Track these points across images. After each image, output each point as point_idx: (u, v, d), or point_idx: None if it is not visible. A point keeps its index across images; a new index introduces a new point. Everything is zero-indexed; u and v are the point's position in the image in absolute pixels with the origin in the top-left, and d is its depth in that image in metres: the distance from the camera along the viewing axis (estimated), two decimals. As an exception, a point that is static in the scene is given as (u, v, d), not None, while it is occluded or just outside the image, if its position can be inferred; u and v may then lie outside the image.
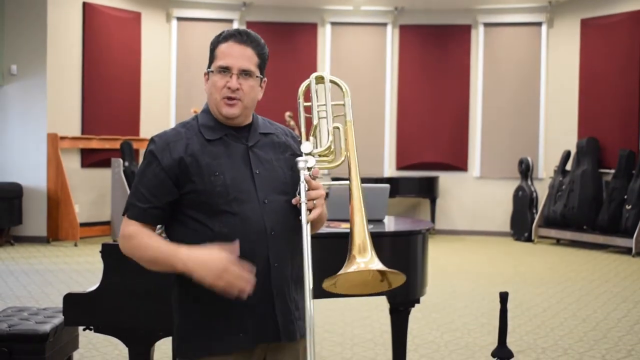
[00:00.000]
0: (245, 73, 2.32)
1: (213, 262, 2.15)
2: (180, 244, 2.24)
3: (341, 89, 2.61)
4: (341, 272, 2.28)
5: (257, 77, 2.36)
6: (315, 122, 2.53)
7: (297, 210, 2.30)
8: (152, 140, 2.33)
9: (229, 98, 2.30)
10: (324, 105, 2.57)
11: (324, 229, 3.69)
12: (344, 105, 2.66)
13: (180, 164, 2.27)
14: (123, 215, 2.33)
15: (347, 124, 2.59)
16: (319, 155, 2.50)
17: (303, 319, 2.35)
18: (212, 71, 2.34)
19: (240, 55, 2.33)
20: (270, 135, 2.46)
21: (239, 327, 2.29)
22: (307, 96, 2.62)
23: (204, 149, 2.29)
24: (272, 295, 2.31)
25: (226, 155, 2.31)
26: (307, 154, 2.41)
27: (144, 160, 2.32)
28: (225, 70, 2.31)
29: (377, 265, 2.33)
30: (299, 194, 2.30)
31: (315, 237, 3.60)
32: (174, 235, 2.33)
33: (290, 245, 2.35)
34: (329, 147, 2.53)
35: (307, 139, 2.50)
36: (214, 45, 2.39)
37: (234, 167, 2.31)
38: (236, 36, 2.37)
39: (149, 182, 2.28)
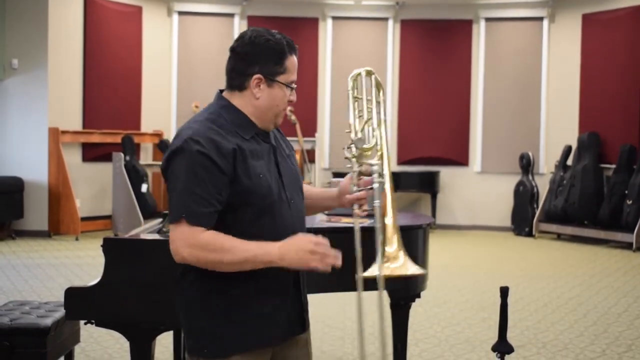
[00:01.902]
0: None
1: (302, 242, 2.17)
2: None
3: (380, 88, 2.66)
4: (400, 272, 2.44)
5: None
6: (365, 117, 2.61)
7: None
8: (191, 140, 2.18)
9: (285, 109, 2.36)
10: (370, 100, 2.64)
11: (325, 224, 3.70)
12: (379, 103, 2.69)
13: (233, 162, 2.20)
14: (176, 222, 2.17)
15: (381, 123, 2.64)
16: (363, 152, 2.59)
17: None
18: (279, 82, 2.29)
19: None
20: (274, 133, 2.44)
21: (272, 321, 2.29)
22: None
23: (245, 148, 2.24)
24: (300, 290, 2.38)
25: (262, 156, 2.29)
26: (358, 150, 2.49)
27: (189, 162, 2.17)
28: (294, 87, 2.34)
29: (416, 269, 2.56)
30: (374, 201, 2.45)
31: (316, 232, 3.60)
32: None
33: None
34: (375, 145, 2.63)
35: (357, 134, 2.58)
36: (284, 54, 2.29)
37: (270, 168, 2.31)
38: (295, 49, 2.35)
39: (208, 183, 2.16)
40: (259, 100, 2.29)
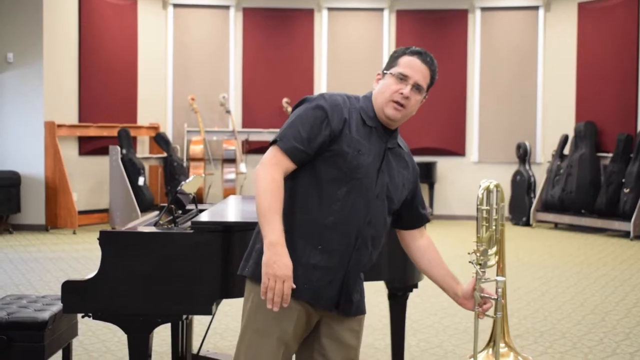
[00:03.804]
0: (417, 87, 2.58)
1: (287, 267, 2.34)
2: (293, 194, 2.47)
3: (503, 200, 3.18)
4: None
5: (424, 94, 2.65)
6: (492, 228, 3.05)
7: (388, 213, 2.63)
8: (322, 96, 2.53)
9: (398, 103, 2.54)
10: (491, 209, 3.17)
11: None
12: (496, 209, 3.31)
13: (342, 125, 2.48)
14: (273, 144, 2.47)
15: (502, 225, 3.08)
16: (487, 259, 3.02)
17: (362, 300, 2.67)
18: (389, 73, 2.57)
19: (420, 71, 2.58)
20: (400, 150, 2.68)
21: (310, 279, 2.48)
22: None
23: (359, 126, 2.52)
24: (347, 272, 2.53)
25: (371, 143, 2.54)
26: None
27: (308, 106, 2.51)
28: (403, 78, 2.55)
29: None
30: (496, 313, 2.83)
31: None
32: (295, 183, 2.49)
33: (376, 239, 2.59)
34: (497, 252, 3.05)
35: (489, 247, 3.00)
36: (399, 55, 2.60)
37: (372, 156, 2.53)
38: (422, 55, 2.61)
39: (312, 128, 2.45)
40: (381, 88, 2.58)
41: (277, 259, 2.32)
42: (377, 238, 2.59)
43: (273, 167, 2.43)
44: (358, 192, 2.49)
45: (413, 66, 2.56)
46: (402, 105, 2.54)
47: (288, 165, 2.45)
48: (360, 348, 2.71)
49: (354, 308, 2.60)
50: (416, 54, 2.60)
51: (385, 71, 2.58)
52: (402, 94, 2.53)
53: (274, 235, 2.34)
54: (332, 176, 2.47)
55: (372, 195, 2.52)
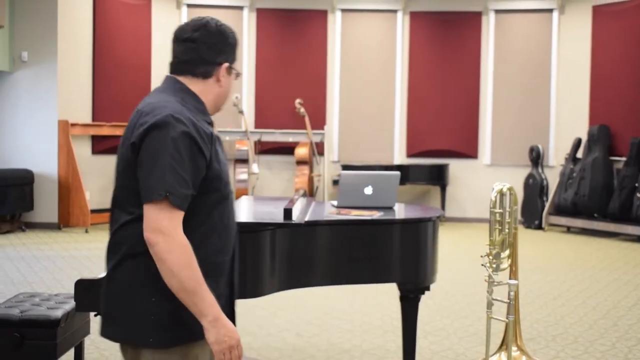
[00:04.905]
0: None
1: (235, 333, 2.15)
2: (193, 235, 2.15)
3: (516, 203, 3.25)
4: None
5: None
6: (505, 231, 3.06)
7: None
8: (173, 117, 2.14)
9: None
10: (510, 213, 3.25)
11: (335, 216, 3.69)
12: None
13: (210, 146, 2.21)
14: (159, 200, 2.07)
15: (515, 229, 3.08)
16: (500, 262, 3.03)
17: None
18: (234, 72, 2.38)
19: None
20: None
21: None
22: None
23: (210, 132, 2.25)
24: (232, 287, 2.40)
25: (218, 143, 2.32)
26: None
27: (172, 136, 2.11)
28: (237, 78, 2.42)
29: None
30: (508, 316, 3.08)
31: (327, 225, 3.61)
32: (190, 226, 2.16)
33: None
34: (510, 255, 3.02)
35: (502, 250, 3.10)
36: (236, 45, 2.40)
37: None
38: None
39: (191, 165, 2.13)
40: (222, 88, 2.36)
41: (224, 332, 2.13)
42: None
43: (177, 231, 2.08)
44: (232, 198, 2.33)
45: None
46: None
47: (181, 218, 2.11)
48: None
49: None
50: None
51: (231, 66, 2.36)
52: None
53: (213, 310, 2.12)
54: (214, 202, 2.23)
55: (231, 193, 2.34)
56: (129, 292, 2.20)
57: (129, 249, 2.19)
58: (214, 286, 2.20)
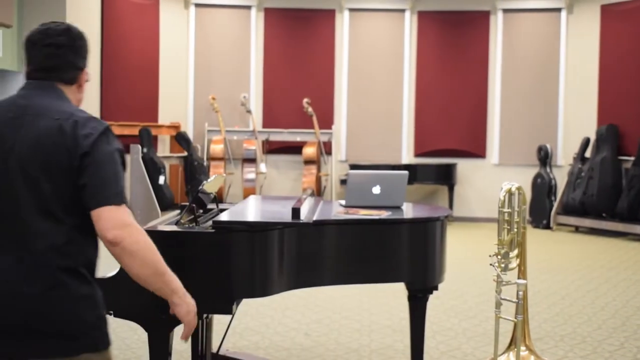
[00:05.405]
0: None
1: (194, 305, 2.38)
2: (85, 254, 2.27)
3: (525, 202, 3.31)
4: None
5: None
6: (514, 230, 3.08)
7: None
8: (110, 131, 2.23)
9: None
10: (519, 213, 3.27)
11: (343, 215, 3.69)
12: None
13: None
14: (112, 204, 2.15)
15: (523, 228, 3.10)
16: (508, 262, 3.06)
17: None
18: (87, 78, 2.38)
19: None
20: None
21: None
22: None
23: None
24: None
25: None
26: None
27: (116, 149, 2.21)
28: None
29: None
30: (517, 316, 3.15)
31: (335, 224, 3.61)
32: (82, 245, 2.25)
33: None
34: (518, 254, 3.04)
35: (511, 250, 3.12)
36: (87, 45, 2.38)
37: None
38: None
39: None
40: (82, 94, 2.37)
41: (189, 300, 2.36)
42: None
43: (135, 222, 2.20)
44: None
45: None
46: None
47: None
48: None
49: None
50: None
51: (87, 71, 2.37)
52: None
53: (179, 283, 2.34)
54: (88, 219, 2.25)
55: None
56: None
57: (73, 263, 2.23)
58: (94, 285, 2.31)
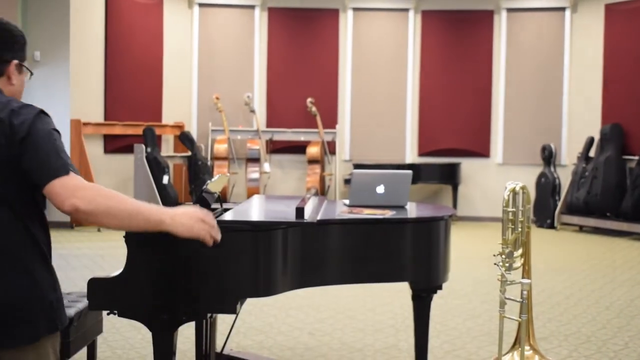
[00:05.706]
0: None
1: (193, 210, 2.35)
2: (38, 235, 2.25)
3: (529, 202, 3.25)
4: None
5: None
6: (518, 230, 3.06)
7: None
8: (45, 112, 2.26)
9: None
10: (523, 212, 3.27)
11: (347, 215, 3.69)
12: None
13: None
14: (61, 176, 2.19)
15: (527, 228, 3.08)
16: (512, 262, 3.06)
17: None
18: (25, 67, 2.39)
19: None
20: None
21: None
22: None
23: None
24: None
25: None
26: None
27: (52, 128, 2.25)
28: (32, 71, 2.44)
29: None
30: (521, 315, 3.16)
31: (339, 223, 3.61)
32: (39, 217, 2.27)
33: None
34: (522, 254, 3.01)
35: (515, 249, 3.12)
36: (25, 43, 2.42)
37: None
38: None
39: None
40: (14, 86, 2.35)
41: (185, 217, 2.32)
42: None
43: (84, 182, 2.23)
44: None
45: None
46: None
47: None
48: None
49: None
50: None
51: (21, 63, 2.39)
52: None
53: (162, 210, 2.30)
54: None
55: None
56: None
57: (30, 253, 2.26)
58: (51, 269, 2.32)
